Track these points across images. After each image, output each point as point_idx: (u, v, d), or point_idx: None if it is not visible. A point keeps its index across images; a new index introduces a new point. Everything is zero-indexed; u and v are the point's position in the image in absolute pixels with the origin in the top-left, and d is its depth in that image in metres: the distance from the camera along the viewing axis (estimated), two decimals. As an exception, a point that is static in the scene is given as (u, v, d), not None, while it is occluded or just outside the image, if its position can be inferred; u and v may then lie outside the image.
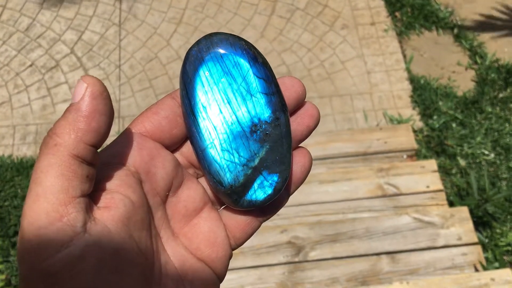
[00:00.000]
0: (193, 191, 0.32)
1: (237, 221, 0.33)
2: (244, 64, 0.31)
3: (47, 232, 0.23)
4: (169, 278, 0.29)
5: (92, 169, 0.26)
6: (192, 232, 0.31)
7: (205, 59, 0.31)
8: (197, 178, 0.34)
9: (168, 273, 0.29)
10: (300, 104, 0.34)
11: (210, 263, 0.32)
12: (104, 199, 0.27)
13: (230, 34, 0.31)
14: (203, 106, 0.31)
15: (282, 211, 1.78)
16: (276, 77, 0.32)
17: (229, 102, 0.31)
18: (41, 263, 0.23)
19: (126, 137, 0.30)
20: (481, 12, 2.63)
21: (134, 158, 0.29)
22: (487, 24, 2.59)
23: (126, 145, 0.29)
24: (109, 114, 0.26)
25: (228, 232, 0.33)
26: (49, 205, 0.24)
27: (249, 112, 0.31)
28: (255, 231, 0.33)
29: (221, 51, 0.31)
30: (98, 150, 0.27)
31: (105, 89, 0.26)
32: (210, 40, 0.31)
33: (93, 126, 0.25)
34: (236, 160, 0.31)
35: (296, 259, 1.63)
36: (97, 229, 0.25)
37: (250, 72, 0.31)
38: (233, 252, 0.33)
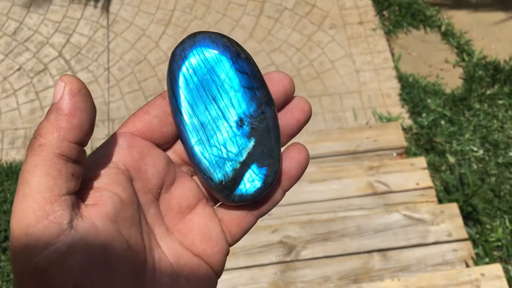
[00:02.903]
0: (186, 188, 0.32)
1: (232, 216, 0.33)
2: (227, 60, 0.31)
3: (35, 230, 0.24)
4: (164, 274, 0.29)
5: (78, 167, 0.26)
6: (186, 228, 0.32)
7: (188, 57, 0.31)
8: (192, 176, 0.34)
9: (163, 269, 0.29)
10: (289, 98, 0.34)
11: (206, 259, 0.32)
12: (92, 196, 0.27)
13: (213, 32, 0.32)
14: (188, 104, 0.31)
15: (273, 211, 1.78)
16: (265, 72, 0.33)
17: (214, 99, 0.31)
18: (31, 261, 0.24)
19: (116, 137, 0.30)
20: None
21: (124, 156, 0.29)
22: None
23: (115, 144, 0.30)
24: (90, 111, 0.27)
25: (224, 227, 0.33)
26: (35, 204, 0.24)
27: (234, 107, 0.31)
28: (251, 226, 0.34)
29: (204, 48, 0.31)
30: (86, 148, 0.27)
31: (83, 86, 0.27)
32: (193, 39, 0.32)
33: (75, 123, 0.26)
34: (224, 156, 0.31)
35: (288, 259, 1.63)
36: (84, 226, 0.25)
37: (233, 68, 0.31)
38: None
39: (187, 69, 0.31)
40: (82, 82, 0.27)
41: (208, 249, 0.31)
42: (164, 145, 0.32)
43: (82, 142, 0.26)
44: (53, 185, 0.25)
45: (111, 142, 0.30)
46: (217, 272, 0.32)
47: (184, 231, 0.31)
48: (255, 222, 0.34)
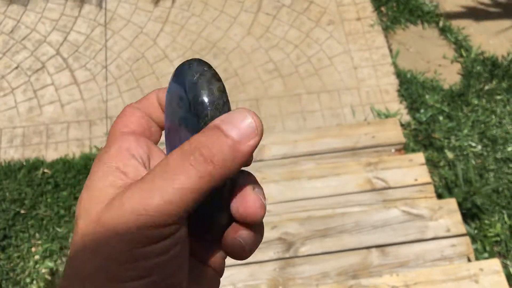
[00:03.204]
0: None
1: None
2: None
3: (159, 217, 0.25)
4: None
5: None
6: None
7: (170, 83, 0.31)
8: None
9: None
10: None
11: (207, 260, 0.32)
12: None
13: (198, 63, 0.31)
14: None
15: (272, 208, 1.78)
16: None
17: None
18: (140, 249, 0.25)
19: (125, 136, 0.31)
20: (464, 4, 2.65)
21: (137, 150, 0.30)
22: (471, 15, 2.61)
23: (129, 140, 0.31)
24: None
25: None
26: (166, 211, 0.25)
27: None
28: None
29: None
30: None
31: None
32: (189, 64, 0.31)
33: (235, 170, 0.27)
34: None
35: (287, 255, 1.64)
36: (182, 233, 0.27)
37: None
38: None
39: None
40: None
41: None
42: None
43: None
44: (188, 206, 0.26)
45: (120, 138, 0.31)
46: (219, 272, 0.32)
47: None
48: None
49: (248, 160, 0.28)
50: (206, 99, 0.28)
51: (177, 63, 2.48)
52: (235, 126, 0.27)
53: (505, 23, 2.59)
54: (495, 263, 1.52)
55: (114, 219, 0.25)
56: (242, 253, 0.30)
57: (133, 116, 0.32)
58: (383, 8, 2.64)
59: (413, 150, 2.14)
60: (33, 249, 2.01)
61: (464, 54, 2.46)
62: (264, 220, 0.30)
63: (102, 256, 0.25)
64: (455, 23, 2.59)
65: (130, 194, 0.26)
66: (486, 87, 2.36)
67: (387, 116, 2.27)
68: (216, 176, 0.26)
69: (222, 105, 0.28)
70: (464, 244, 1.63)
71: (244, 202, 0.29)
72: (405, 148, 2.09)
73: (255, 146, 0.27)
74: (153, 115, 0.32)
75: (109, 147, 0.29)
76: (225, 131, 0.26)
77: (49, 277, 1.95)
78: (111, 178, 0.27)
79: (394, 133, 2.06)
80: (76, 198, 2.10)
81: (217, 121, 0.27)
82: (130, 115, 0.32)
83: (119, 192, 0.26)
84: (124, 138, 0.30)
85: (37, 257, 1.99)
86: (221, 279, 0.33)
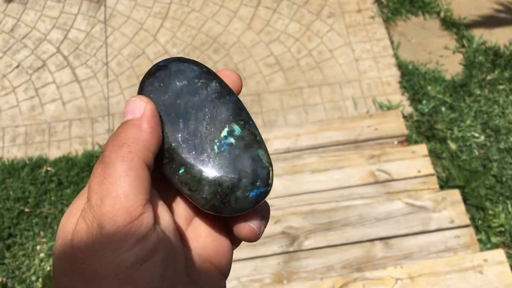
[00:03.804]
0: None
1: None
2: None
3: (126, 229, 0.26)
4: None
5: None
6: (195, 232, 0.32)
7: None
8: None
9: None
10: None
11: (215, 261, 0.32)
12: None
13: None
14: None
15: (275, 202, 1.78)
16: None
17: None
18: (118, 257, 0.25)
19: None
20: (476, 6, 2.64)
21: None
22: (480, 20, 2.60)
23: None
24: (160, 128, 0.30)
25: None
26: (130, 205, 0.26)
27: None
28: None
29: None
30: None
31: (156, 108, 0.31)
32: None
33: (155, 135, 0.29)
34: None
35: (291, 249, 1.64)
36: (161, 228, 0.28)
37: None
38: None
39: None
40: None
41: (217, 250, 0.32)
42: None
43: (156, 153, 0.29)
44: (144, 189, 0.27)
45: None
46: (225, 273, 0.33)
47: (192, 236, 0.32)
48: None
49: (159, 125, 0.30)
50: None
51: (177, 59, 2.48)
52: (129, 110, 0.30)
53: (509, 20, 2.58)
54: (499, 254, 1.52)
55: (84, 237, 0.26)
56: (254, 237, 0.32)
57: None
58: (383, 0, 2.62)
59: (416, 142, 2.13)
60: (38, 247, 2.02)
61: (466, 44, 2.45)
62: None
63: (83, 276, 0.26)
64: (457, 13, 2.57)
65: (90, 213, 0.26)
66: (489, 77, 2.34)
67: (389, 108, 2.26)
68: (139, 151, 0.28)
69: None
70: (468, 235, 1.62)
71: (240, 228, 0.31)
72: (407, 140, 2.09)
73: (153, 111, 0.30)
74: None
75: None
76: (126, 119, 0.30)
77: (54, 275, 1.96)
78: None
79: (396, 125, 2.06)
80: (79, 196, 2.11)
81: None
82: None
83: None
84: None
85: (42, 255, 2.00)
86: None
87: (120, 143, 0.28)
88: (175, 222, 0.30)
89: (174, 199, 0.33)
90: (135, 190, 0.26)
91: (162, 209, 0.29)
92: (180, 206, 0.33)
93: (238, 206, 0.30)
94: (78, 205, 0.28)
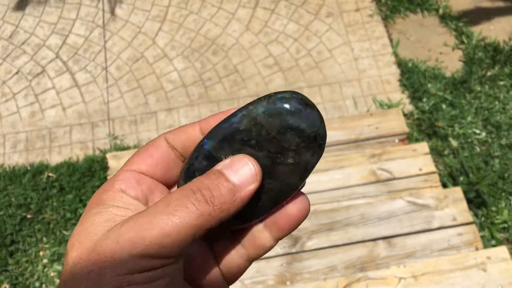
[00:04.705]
0: (197, 247, 0.33)
1: (227, 258, 0.33)
2: None
3: (148, 259, 0.26)
4: None
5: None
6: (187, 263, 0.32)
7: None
8: None
9: None
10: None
11: None
12: None
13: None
14: None
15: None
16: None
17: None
18: (131, 275, 0.26)
19: (124, 174, 0.32)
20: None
21: (135, 191, 0.31)
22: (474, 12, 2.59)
23: (126, 180, 0.31)
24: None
25: (223, 275, 0.33)
26: (164, 247, 0.26)
27: None
28: (242, 272, 0.34)
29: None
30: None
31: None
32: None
33: (233, 212, 0.28)
34: None
35: (294, 250, 1.63)
36: (177, 266, 0.28)
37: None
38: None
39: None
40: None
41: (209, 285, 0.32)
42: (168, 185, 0.34)
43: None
44: (183, 242, 0.27)
45: (119, 178, 0.31)
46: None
47: (185, 267, 0.32)
48: (247, 267, 0.34)
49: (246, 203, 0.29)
50: None
51: (176, 62, 2.48)
52: (236, 172, 0.29)
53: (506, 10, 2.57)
54: (502, 251, 1.52)
55: (110, 247, 0.26)
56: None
57: (156, 151, 0.32)
58: (381, -2, 2.62)
59: (417, 140, 2.13)
60: (41, 253, 2.02)
61: (465, 40, 2.44)
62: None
63: (92, 282, 0.26)
64: (455, 9, 2.56)
65: (129, 225, 0.27)
66: (489, 73, 2.34)
67: (389, 106, 2.26)
68: (214, 217, 0.27)
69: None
70: (471, 233, 1.62)
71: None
72: (408, 138, 2.08)
73: (254, 191, 0.29)
74: (189, 149, 0.33)
75: (108, 186, 0.31)
76: (226, 175, 0.28)
77: (58, 280, 1.96)
78: (108, 215, 0.29)
79: (397, 123, 2.05)
80: (81, 201, 2.11)
81: (219, 166, 0.29)
82: (154, 149, 0.33)
83: (117, 225, 0.27)
84: (126, 176, 0.31)
85: (45, 260, 2.00)
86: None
87: (207, 196, 0.28)
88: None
89: None
90: (177, 241, 0.26)
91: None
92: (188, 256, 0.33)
93: None
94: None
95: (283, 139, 0.29)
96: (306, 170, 0.31)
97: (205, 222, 0.27)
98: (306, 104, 0.29)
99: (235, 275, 0.33)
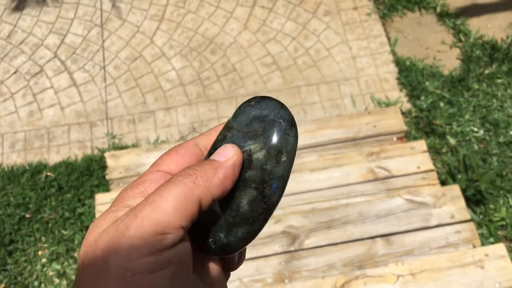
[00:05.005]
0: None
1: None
2: None
3: (149, 239, 0.27)
4: None
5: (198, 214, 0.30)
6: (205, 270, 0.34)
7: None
8: None
9: None
10: None
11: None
12: None
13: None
14: None
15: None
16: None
17: None
18: (130, 262, 0.26)
19: (152, 174, 0.33)
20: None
21: None
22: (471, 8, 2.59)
23: (153, 181, 0.32)
24: (233, 182, 0.32)
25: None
26: (163, 221, 0.27)
27: None
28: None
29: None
30: None
31: (242, 163, 0.32)
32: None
33: (223, 187, 0.31)
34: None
35: (292, 248, 1.64)
36: (182, 249, 0.29)
37: None
38: None
39: None
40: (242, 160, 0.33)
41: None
42: None
43: (215, 200, 0.31)
44: (183, 217, 0.28)
45: (148, 178, 0.32)
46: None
47: (203, 273, 0.33)
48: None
49: (232, 179, 0.31)
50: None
51: (174, 61, 2.48)
52: (218, 154, 0.32)
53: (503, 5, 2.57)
54: (500, 248, 1.52)
55: (109, 237, 0.27)
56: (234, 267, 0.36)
57: (185, 151, 0.34)
58: (379, -4, 2.62)
59: (415, 138, 2.13)
60: (39, 253, 2.02)
61: (463, 38, 2.45)
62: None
63: (96, 277, 0.27)
64: (453, 7, 2.57)
65: (125, 216, 0.28)
66: (486, 71, 2.34)
67: (387, 104, 2.26)
68: (202, 187, 0.29)
69: None
70: (469, 230, 1.62)
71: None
72: (406, 136, 2.08)
73: (234, 165, 0.32)
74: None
75: (134, 184, 0.32)
76: (211, 158, 0.32)
77: (57, 280, 1.96)
78: (121, 213, 0.30)
79: (395, 121, 2.05)
80: (80, 200, 2.11)
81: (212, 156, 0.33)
82: (183, 150, 0.34)
83: (117, 219, 0.28)
84: (154, 177, 0.32)
85: (44, 260, 2.00)
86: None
87: (192, 173, 0.30)
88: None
89: None
90: (175, 213, 0.28)
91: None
92: None
93: None
94: (105, 217, 0.30)
95: (251, 129, 0.33)
96: (280, 152, 0.33)
97: (193, 193, 0.29)
98: (264, 97, 0.34)
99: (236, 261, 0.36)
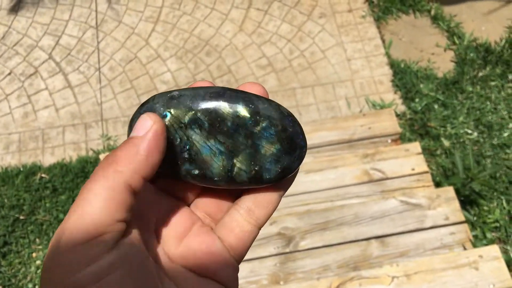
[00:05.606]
0: (179, 214, 0.33)
1: (232, 230, 0.32)
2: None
3: (82, 248, 0.25)
4: None
5: (135, 200, 0.28)
6: (187, 251, 0.31)
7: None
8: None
9: None
10: None
11: (213, 275, 0.31)
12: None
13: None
14: None
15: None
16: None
17: None
18: (71, 277, 0.25)
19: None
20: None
21: None
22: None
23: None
24: (163, 152, 0.29)
25: (225, 244, 0.32)
26: (92, 225, 0.25)
27: None
28: (252, 239, 0.33)
29: None
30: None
31: (165, 129, 0.30)
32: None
33: (151, 161, 0.28)
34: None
35: (287, 250, 1.64)
36: (127, 246, 0.27)
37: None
38: None
39: None
40: (165, 124, 0.30)
41: (213, 265, 0.31)
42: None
43: (149, 178, 0.28)
44: (114, 211, 0.26)
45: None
46: (230, 285, 0.32)
47: (185, 254, 0.31)
48: (257, 233, 0.33)
49: (159, 150, 0.29)
50: None
51: (170, 62, 2.48)
52: (135, 127, 0.29)
53: (495, 3, 2.59)
54: (494, 250, 1.53)
55: (49, 257, 0.26)
56: None
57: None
58: (374, -1, 2.63)
59: (409, 140, 2.14)
60: (34, 255, 2.01)
61: (457, 41, 2.46)
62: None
63: None
64: (447, 10, 2.58)
65: (56, 232, 0.26)
66: (480, 74, 2.36)
67: (382, 107, 2.27)
68: (126, 171, 0.27)
69: None
70: (463, 232, 1.63)
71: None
72: (401, 138, 2.09)
73: (157, 133, 0.29)
74: None
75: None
76: (130, 135, 0.29)
77: (51, 282, 1.95)
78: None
79: (389, 123, 2.06)
80: (74, 202, 2.10)
81: None
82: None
83: None
84: None
85: (38, 262, 1.99)
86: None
87: (111, 160, 0.27)
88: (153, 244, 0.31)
89: (166, 217, 0.32)
90: (105, 210, 0.26)
91: (136, 227, 0.29)
92: (170, 229, 0.32)
93: None
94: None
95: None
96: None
97: (117, 182, 0.27)
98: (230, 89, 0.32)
99: (244, 247, 0.33)
